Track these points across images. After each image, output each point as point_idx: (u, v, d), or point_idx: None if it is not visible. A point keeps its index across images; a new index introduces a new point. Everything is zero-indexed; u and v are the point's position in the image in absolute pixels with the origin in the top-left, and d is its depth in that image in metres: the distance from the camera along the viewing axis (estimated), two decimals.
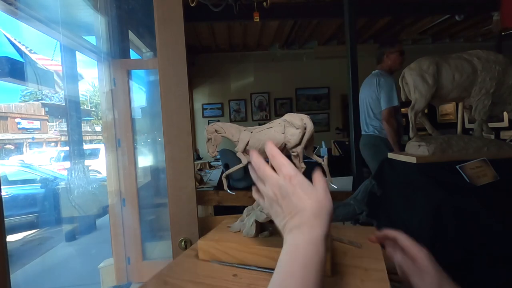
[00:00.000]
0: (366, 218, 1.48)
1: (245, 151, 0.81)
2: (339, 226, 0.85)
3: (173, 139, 1.71)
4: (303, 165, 0.73)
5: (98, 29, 2.22)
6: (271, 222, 0.78)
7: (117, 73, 2.09)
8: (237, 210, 2.71)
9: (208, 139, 0.83)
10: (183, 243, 1.50)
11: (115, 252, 2.15)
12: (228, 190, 0.88)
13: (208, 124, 0.84)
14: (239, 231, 0.80)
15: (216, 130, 0.83)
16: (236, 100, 6.33)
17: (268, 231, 0.77)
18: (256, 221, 0.76)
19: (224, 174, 0.87)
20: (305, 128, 0.72)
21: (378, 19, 4.70)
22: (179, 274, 0.70)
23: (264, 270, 0.69)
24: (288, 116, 0.74)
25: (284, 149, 0.75)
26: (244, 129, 0.82)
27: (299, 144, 0.72)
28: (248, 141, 0.79)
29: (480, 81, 1.46)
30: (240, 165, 0.83)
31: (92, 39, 2.35)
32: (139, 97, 2.56)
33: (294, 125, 0.72)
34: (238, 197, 2.20)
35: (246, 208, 0.84)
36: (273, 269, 0.66)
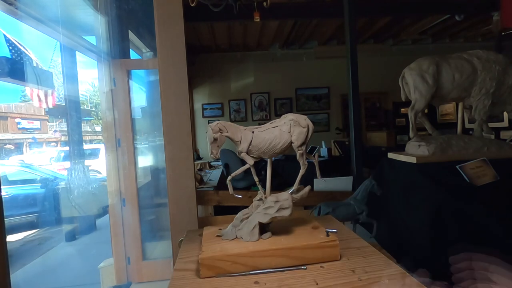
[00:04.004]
0: (366, 218, 1.48)
1: (248, 151, 0.80)
2: (300, 218, 0.88)
3: (173, 139, 1.71)
4: (306, 163, 0.77)
5: (98, 29, 2.22)
6: (269, 222, 0.78)
7: (117, 73, 2.09)
8: (237, 210, 2.71)
9: (214, 139, 0.78)
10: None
11: (115, 252, 2.15)
12: (235, 195, 0.85)
13: (208, 124, 0.81)
14: (235, 238, 0.76)
15: (220, 130, 0.79)
16: (236, 100, 6.33)
17: (270, 232, 0.77)
18: (259, 224, 0.75)
19: (229, 178, 0.83)
20: (309, 127, 0.76)
21: (378, 19, 4.70)
22: None
23: (282, 269, 0.68)
24: (293, 116, 0.77)
25: (289, 148, 0.78)
26: (244, 129, 0.81)
27: (304, 142, 0.76)
28: (251, 141, 0.79)
29: (480, 81, 1.46)
30: (246, 167, 0.81)
31: (92, 39, 2.35)
32: (139, 97, 2.56)
33: (300, 124, 0.75)
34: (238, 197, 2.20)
35: (240, 212, 0.82)
36: (292, 267, 0.69)
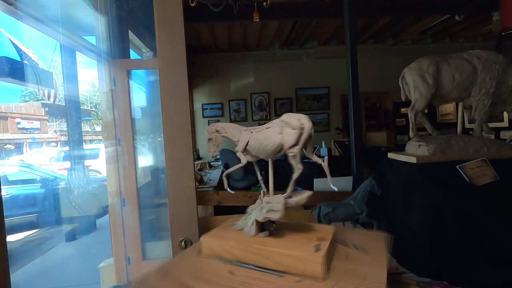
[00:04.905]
0: (366, 218, 1.48)
1: (245, 151, 0.81)
2: (348, 230, 0.82)
3: (173, 139, 1.71)
4: (300, 166, 0.72)
5: (98, 29, 2.22)
6: (272, 222, 0.78)
7: (117, 73, 2.09)
8: (237, 210, 2.71)
9: (209, 139, 0.84)
10: (183, 243, 1.50)
11: (115, 252, 2.15)
12: (228, 189, 0.87)
13: (208, 124, 0.84)
14: (242, 229, 0.80)
15: (217, 130, 0.84)
16: (236, 100, 6.33)
17: (268, 231, 0.77)
18: (257, 221, 0.76)
19: (224, 173, 0.87)
20: (302, 129, 0.71)
21: (378, 19, 4.70)
22: (180, 268, 0.74)
23: (261, 269, 0.69)
24: (286, 117, 0.74)
25: (282, 150, 0.75)
26: (244, 129, 0.82)
27: (296, 144, 0.71)
28: (248, 141, 0.79)
29: (480, 81, 1.46)
30: (240, 165, 0.83)
31: (92, 39, 2.35)
32: (139, 97, 2.56)
33: (290, 126, 0.72)
34: (238, 197, 2.21)
35: (249, 207, 0.84)
36: (270, 269, 0.68)
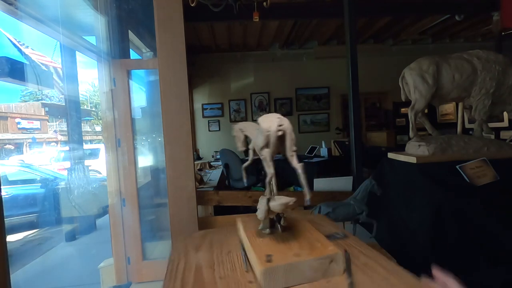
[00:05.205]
0: (366, 218, 1.48)
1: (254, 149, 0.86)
2: (386, 261, 0.71)
3: (173, 139, 1.71)
4: (271, 170, 0.70)
5: (98, 29, 2.22)
6: (278, 221, 0.80)
7: (117, 73, 2.09)
8: (237, 210, 2.71)
9: (234, 136, 0.98)
10: None
11: (115, 252, 2.15)
12: (245, 180, 0.99)
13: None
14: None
15: (240, 129, 0.96)
16: (236, 100, 6.32)
17: (269, 229, 0.79)
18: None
19: (243, 166, 0.96)
20: (269, 132, 0.68)
21: (378, 19, 4.70)
22: (215, 235, 0.94)
23: (243, 258, 0.75)
24: (261, 119, 0.73)
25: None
26: (257, 128, 0.87)
27: (265, 146, 0.70)
28: None
29: (480, 81, 1.46)
30: (249, 162, 0.91)
31: (92, 39, 2.35)
32: (139, 97, 2.55)
33: (259, 127, 0.73)
34: (238, 197, 2.20)
35: None
36: (248, 261, 0.72)
